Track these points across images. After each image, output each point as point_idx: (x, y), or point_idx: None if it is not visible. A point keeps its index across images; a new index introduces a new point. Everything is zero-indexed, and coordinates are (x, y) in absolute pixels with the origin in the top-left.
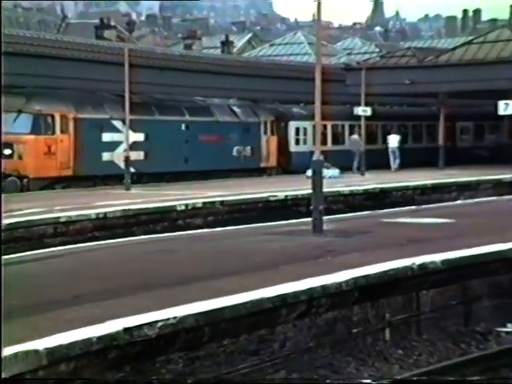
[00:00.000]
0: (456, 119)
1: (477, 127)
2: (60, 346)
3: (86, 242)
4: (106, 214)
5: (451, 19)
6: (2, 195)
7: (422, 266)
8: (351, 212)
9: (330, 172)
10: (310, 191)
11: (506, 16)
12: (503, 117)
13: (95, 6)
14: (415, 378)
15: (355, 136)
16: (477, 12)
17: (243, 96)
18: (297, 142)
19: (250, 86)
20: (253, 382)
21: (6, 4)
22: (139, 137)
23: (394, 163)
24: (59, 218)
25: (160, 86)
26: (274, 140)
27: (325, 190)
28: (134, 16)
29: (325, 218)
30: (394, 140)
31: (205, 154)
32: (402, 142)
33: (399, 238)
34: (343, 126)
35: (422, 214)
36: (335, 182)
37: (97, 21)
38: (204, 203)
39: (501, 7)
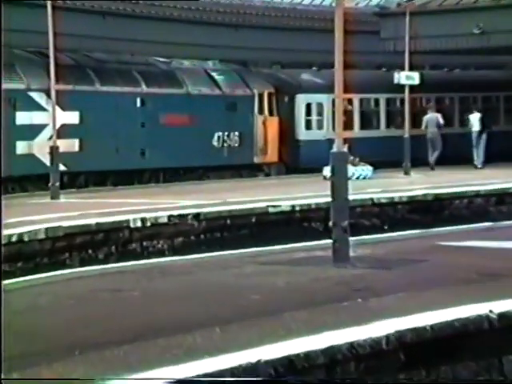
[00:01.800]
0: None
1: None
2: None
3: None
4: (21, 236)
5: None
6: None
7: (505, 316)
8: (391, 230)
9: (358, 170)
10: (329, 199)
11: None
12: None
13: None
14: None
15: (433, 114)
16: None
17: (227, 56)
18: (308, 125)
19: (237, 40)
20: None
21: None
22: (72, 117)
23: (478, 156)
24: None
25: (102, 41)
26: (273, 122)
27: (351, 197)
28: None
29: (351, 239)
30: (475, 120)
31: (170, 143)
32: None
33: (466, 270)
34: (377, 101)
35: (500, 235)
36: (366, 184)
37: None
38: (170, 217)
39: None
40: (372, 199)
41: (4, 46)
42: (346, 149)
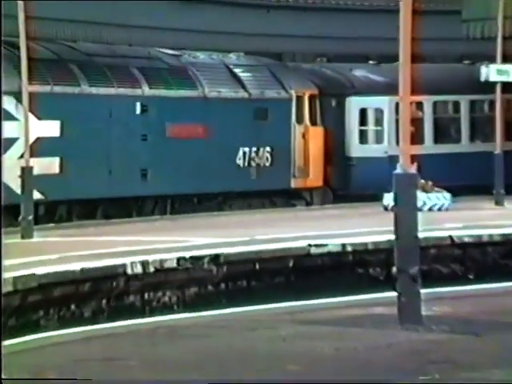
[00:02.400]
0: None
1: None
2: None
3: None
4: None
5: None
6: None
7: None
8: (479, 281)
9: (431, 199)
10: (392, 237)
11: None
12: None
13: None
14: None
15: None
16: None
17: (256, 47)
18: (363, 137)
19: (268, 25)
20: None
21: None
22: (50, 128)
23: None
24: None
25: (90, 26)
26: (316, 134)
27: (421, 234)
28: None
29: (423, 291)
30: None
31: (180, 162)
32: None
33: None
34: (457, 105)
35: None
36: (443, 217)
37: None
38: (180, 260)
39: None
40: (451, 237)
41: None
42: (414, 169)
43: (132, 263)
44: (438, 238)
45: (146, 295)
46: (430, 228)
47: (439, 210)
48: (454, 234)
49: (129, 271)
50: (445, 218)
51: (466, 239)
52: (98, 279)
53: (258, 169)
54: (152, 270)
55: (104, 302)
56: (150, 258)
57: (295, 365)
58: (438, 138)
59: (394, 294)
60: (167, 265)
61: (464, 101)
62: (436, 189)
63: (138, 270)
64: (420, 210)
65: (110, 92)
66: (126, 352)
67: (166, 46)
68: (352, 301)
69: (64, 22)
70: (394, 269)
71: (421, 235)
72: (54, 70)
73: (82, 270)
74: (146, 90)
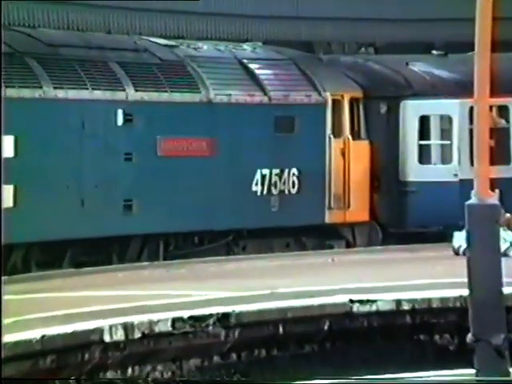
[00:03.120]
0: None
1: None
2: None
3: None
4: None
5: None
6: None
7: None
8: None
9: None
10: (465, 291)
11: None
12: None
13: None
14: None
15: None
16: None
17: (278, 35)
18: (423, 155)
19: (294, 7)
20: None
21: None
22: (1, 146)
23: None
24: None
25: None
26: (360, 151)
27: (508, 288)
28: None
29: None
30: None
31: (176, 189)
32: None
33: None
34: None
35: None
36: None
37: None
38: (176, 321)
39: None
40: None
41: None
42: (495, 199)
43: (111, 327)
44: None
45: (130, 370)
46: None
47: None
48: None
49: (107, 338)
50: None
51: None
52: (64, 350)
53: (280, 198)
54: (138, 335)
55: (72, 382)
56: (136, 319)
57: None
58: None
59: (470, 371)
60: (159, 328)
61: None
62: None
63: (120, 335)
64: (505, 254)
65: (82, 96)
66: None
67: (158, 33)
68: (412, 379)
69: (20, 1)
70: (469, 336)
71: (507, 290)
72: (5, 67)
73: (43, 338)
74: (130, 94)
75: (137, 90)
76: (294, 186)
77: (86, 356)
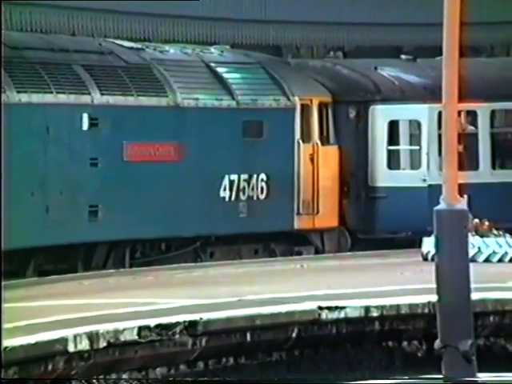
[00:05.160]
0: None
1: None
2: None
3: None
4: None
5: None
6: None
7: None
8: None
9: (489, 244)
10: (434, 297)
11: None
12: None
13: None
14: None
15: None
16: None
17: (246, 38)
18: (392, 160)
19: (262, 9)
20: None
21: None
22: None
23: None
24: None
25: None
26: (329, 157)
27: (476, 294)
28: None
29: (481, 376)
30: None
31: (142, 194)
32: None
33: None
34: None
35: None
36: (506, 271)
37: None
38: (142, 330)
39: None
40: None
41: None
42: (464, 204)
43: (75, 336)
44: (500, 300)
45: (95, 380)
46: (488, 286)
47: (500, 260)
48: None
49: (71, 348)
50: (510, 272)
51: None
52: (26, 362)
53: (249, 203)
54: (103, 344)
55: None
56: (101, 327)
57: None
58: (498, 161)
59: (438, 377)
60: (124, 337)
61: None
62: (495, 231)
63: (84, 345)
64: (473, 260)
65: (46, 100)
66: None
67: (124, 36)
68: None
69: None
70: (437, 343)
71: (475, 296)
72: None
73: (5, 350)
74: (95, 97)
75: (102, 94)
76: (262, 192)
77: (50, 367)
